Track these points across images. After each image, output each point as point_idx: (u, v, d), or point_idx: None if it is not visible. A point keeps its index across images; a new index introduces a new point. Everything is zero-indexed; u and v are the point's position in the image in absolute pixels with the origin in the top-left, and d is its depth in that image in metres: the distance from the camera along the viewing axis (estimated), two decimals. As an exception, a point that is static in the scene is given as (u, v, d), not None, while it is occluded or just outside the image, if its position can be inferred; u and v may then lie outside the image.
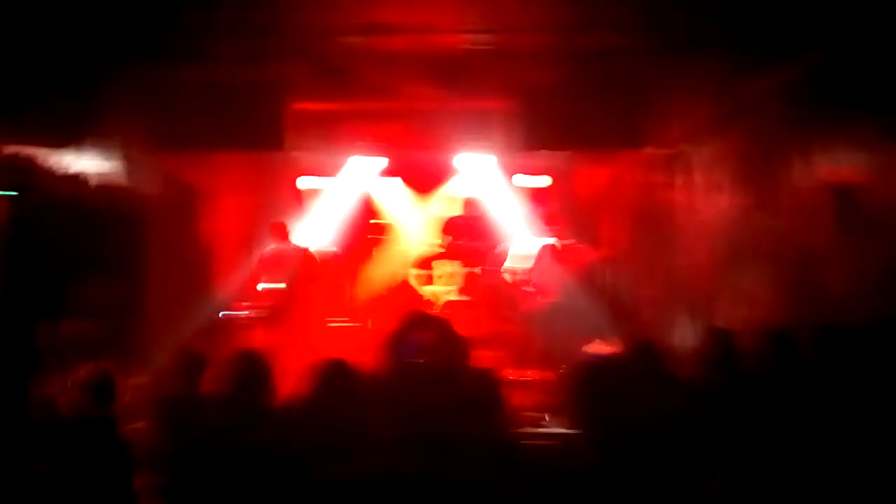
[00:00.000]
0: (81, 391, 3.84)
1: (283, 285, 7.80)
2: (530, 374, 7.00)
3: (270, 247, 7.91)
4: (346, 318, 8.54)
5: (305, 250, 7.90)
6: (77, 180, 6.03)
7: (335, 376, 2.25)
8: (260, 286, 7.75)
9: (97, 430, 3.28)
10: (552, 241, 7.12)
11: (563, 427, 5.84)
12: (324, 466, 1.80)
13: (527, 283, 7.54)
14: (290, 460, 2.33)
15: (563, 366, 6.68)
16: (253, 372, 3.32)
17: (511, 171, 9.50)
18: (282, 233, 7.88)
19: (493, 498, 1.50)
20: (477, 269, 8.46)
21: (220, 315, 8.19)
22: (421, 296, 7.98)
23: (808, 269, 4.58)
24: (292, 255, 7.80)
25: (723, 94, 5.85)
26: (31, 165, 5.38)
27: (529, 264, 7.60)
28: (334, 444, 2.01)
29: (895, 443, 2.70)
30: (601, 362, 2.79)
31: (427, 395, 1.53)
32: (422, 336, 1.58)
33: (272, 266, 7.77)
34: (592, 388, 2.72)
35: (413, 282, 8.08)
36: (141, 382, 6.61)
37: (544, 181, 9.52)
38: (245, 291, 7.99)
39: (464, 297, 8.01)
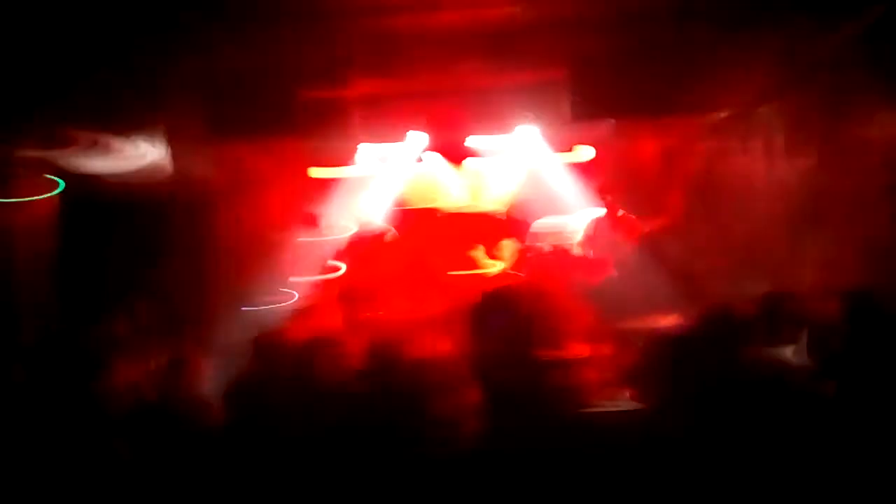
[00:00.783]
0: (162, 376, 3.91)
1: (344, 269, 7.83)
2: (601, 350, 6.90)
3: (351, 232, 7.95)
4: (412, 300, 8.54)
5: (382, 230, 7.92)
6: (146, 168, 6.13)
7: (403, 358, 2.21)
8: (324, 273, 7.79)
9: (180, 415, 3.33)
10: (609, 211, 6.99)
11: (636, 403, 5.78)
12: (411, 445, 1.77)
13: (588, 256, 7.42)
14: (370, 442, 2.31)
15: (637, 339, 6.57)
16: (326, 356, 3.31)
17: (564, 144, 9.35)
18: (312, 222, 7.90)
19: (595, 471, 1.45)
20: (539, 245, 8.37)
21: (287, 300, 8.29)
22: (484, 274, 7.91)
23: (877, 231, 4.40)
24: (366, 237, 7.83)
25: (781, 55, 5.63)
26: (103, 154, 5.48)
27: (588, 237, 7.49)
28: (421, 425, 1.98)
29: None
30: (678, 334, 2.70)
31: (512, 376, 1.48)
32: (505, 318, 1.53)
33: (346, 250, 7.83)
34: (671, 361, 2.64)
35: (476, 259, 8.02)
36: (213, 367, 6.75)
37: (596, 153, 9.34)
38: (305, 278, 8.06)
39: (526, 274, 7.93)
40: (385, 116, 8.81)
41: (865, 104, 4.69)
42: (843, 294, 3.60)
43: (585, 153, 9.50)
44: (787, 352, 5.36)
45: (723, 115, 7.16)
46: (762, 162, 6.42)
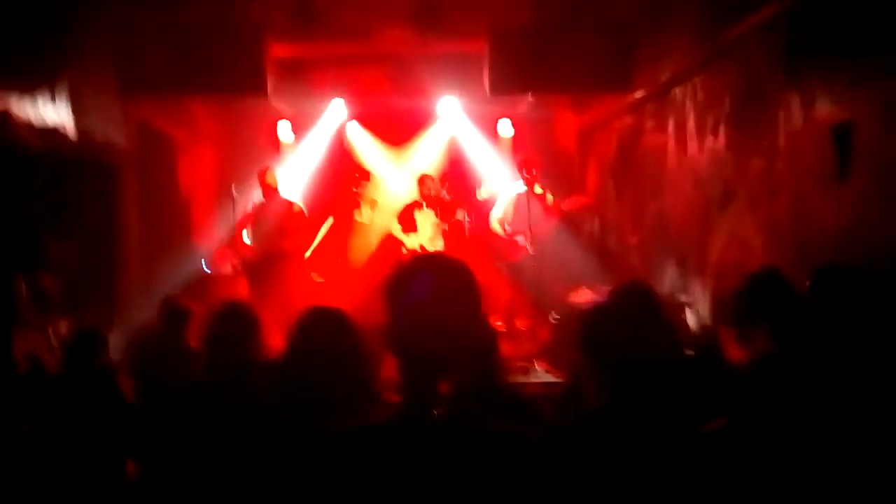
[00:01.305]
0: (67, 347, 3.75)
1: (265, 238, 7.66)
2: (517, 324, 6.99)
3: (257, 200, 7.71)
4: (330, 272, 8.45)
5: (292, 203, 7.73)
6: (50, 131, 5.81)
7: (328, 325, 2.17)
8: (244, 239, 7.58)
9: (86, 386, 3.19)
10: (533, 188, 7.03)
11: (553, 375, 5.88)
12: (326, 418, 1.74)
13: (510, 232, 7.47)
14: (280, 413, 2.25)
15: (554, 314, 6.68)
16: (239, 323, 3.24)
17: (489, 118, 9.40)
18: (268, 179, 7.64)
19: (519, 447, 1.44)
20: (460, 219, 8.38)
21: (203, 268, 8.07)
22: (404, 246, 7.88)
23: (802, 212, 4.55)
24: (278, 208, 7.62)
25: (709, 32, 5.74)
26: (1, 115, 5.16)
27: (511, 213, 7.52)
28: (333, 395, 1.94)
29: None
30: (596, 308, 2.71)
31: (436, 342, 1.44)
32: (428, 278, 1.48)
33: (257, 218, 7.59)
34: (589, 335, 2.65)
35: (396, 232, 7.97)
36: (121, 337, 6.53)
37: (516, 129, 9.42)
38: (227, 244, 7.86)
39: (447, 247, 7.94)
40: (305, 82, 8.65)
41: (776, 86, 4.82)
42: (760, 272, 3.70)
43: (506, 129, 9.57)
44: (696, 326, 5.52)
45: (639, 94, 7.28)
46: (676, 142, 6.55)
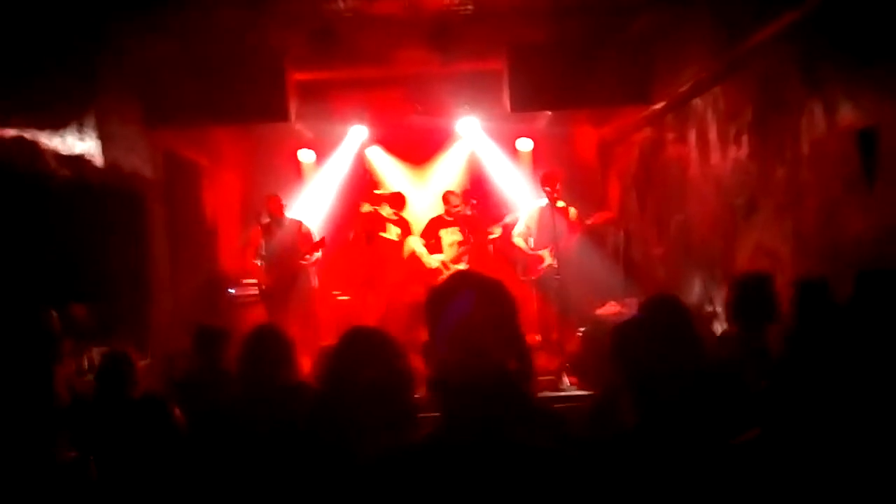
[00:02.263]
0: (98, 375, 3.79)
1: (278, 260, 7.72)
2: (544, 338, 6.97)
3: (265, 221, 7.79)
4: (353, 292, 8.50)
5: (300, 224, 7.81)
6: (79, 162, 5.92)
7: (365, 345, 2.18)
8: (257, 262, 7.66)
9: (120, 413, 3.23)
10: (553, 203, 7.03)
11: (582, 389, 5.86)
12: (365, 439, 1.76)
13: (533, 246, 7.46)
14: (320, 433, 2.27)
15: (581, 328, 6.65)
16: (273, 345, 3.27)
17: (509, 135, 9.43)
18: (277, 206, 7.74)
19: (553, 462, 1.45)
20: (488, 236, 8.40)
21: (229, 292, 8.15)
22: (430, 265, 7.90)
23: (829, 219, 4.52)
24: (287, 230, 7.71)
25: (728, 42, 5.74)
26: (31, 148, 5.27)
27: (534, 227, 7.52)
28: (375, 415, 1.96)
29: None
30: (628, 322, 2.72)
31: (476, 358, 1.46)
32: (467, 296, 1.50)
33: (264, 242, 7.68)
34: (622, 349, 2.65)
35: (420, 251, 7.99)
36: (151, 363, 6.60)
37: (536, 144, 9.45)
38: (246, 268, 7.93)
39: (472, 264, 7.95)
40: (327, 106, 8.75)
41: (798, 93, 4.81)
42: (792, 280, 3.69)
43: (526, 145, 9.60)
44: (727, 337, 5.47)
45: (659, 106, 7.28)
46: (698, 152, 6.54)
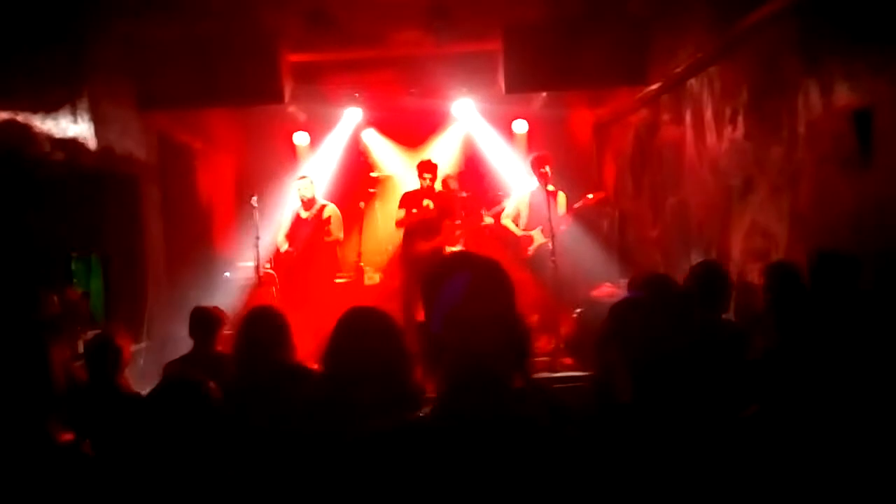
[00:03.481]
0: (88, 359, 3.80)
1: (286, 244, 7.73)
2: (539, 319, 6.98)
3: (293, 209, 7.78)
4: (350, 274, 8.49)
5: (325, 206, 7.80)
6: (72, 145, 5.89)
7: (370, 325, 2.18)
8: (266, 244, 7.66)
9: (105, 397, 3.24)
10: (544, 186, 7.00)
11: (578, 370, 5.88)
12: (367, 417, 1.75)
13: (523, 228, 7.47)
14: (320, 413, 2.28)
15: (576, 309, 6.68)
16: (270, 327, 3.27)
17: (504, 117, 9.40)
18: (305, 189, 7.73)
19: (550, 440, 1.45)
20: (484, 219, 8.40)
21: (225, 275, 8.14)
22: (427, 246, 7.89)
23: (824, 199, 4.53)
24: (317, 213, 7.71)
25: (723, 22, 5.71)
26: (24, 131, 5.24)
27: (525, 210, 7.52)
28: (376, 394, 1.96)
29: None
30: (623, 302, 2.72)
31: (476, 338, 1.46)
32: (463, 276, 1.50)
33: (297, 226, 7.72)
34: (619, 328, 2.66)
35: (416, 233, 7.97)
36: (148, 346, 6.60)
37: (531, 126, 9.43)
38: (247, 250, 7.91)
39: (467, 246, 7.95)
40: (321, 88, 8.71)
41: (794, 73, 4.80)
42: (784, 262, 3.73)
43: (521, 127, 9.57)
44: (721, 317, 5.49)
45: (655, 87, 7.26)
46: (694, 133, 6.53)
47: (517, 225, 7.51)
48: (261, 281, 7.46)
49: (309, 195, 7.72)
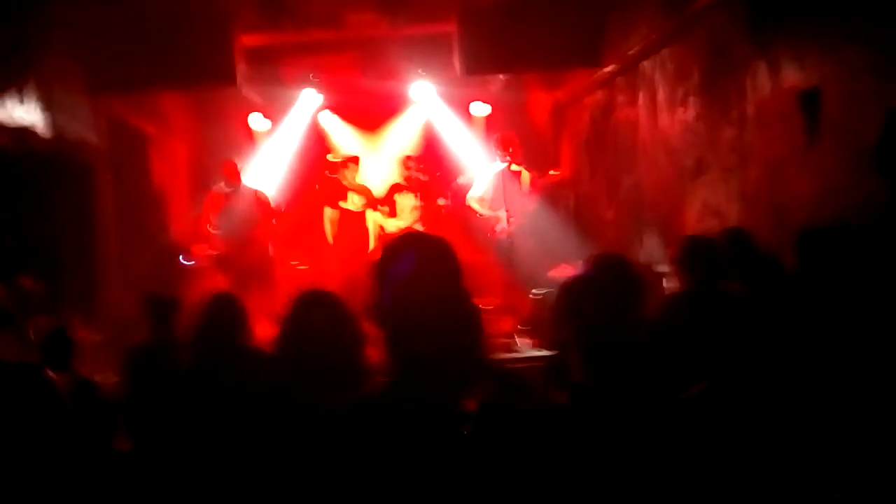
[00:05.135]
0: (39, 348, 3.76)
1: (235, 228, 7.63)
2: (497, 301, 7.03)
3: (220, 188, 7.66)
4: (305, 259, 8.45)
5: (256, 191, 7.71)
6: (21, 131, 5.76)
7: (318, 308, 2.20)
8: (212, 230, 7.55)
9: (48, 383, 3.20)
10: (508, 166, 7.04)
11: (535, 350, 5.95)
12: (316, 397, 1.77)
13: (489, 209, 7.50)
14: (275, 396, 2.29)
15: (534, 290, 6.74)
16: (228, 313, 3.26)
17: (463, 100, 9.40)
18: (233, 172, 7.60)
19: (509, 416, 1.48)
20: (438, 201, 8.40)
21: (180, 261, 8.04)
22: (383, 230, 7.90)
23: (773, 179, 4.62)
24: (244, 198, 7.60)
25: (675, 4, 5.78)
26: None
27: (490, 191, 7.54)
28: (323, 375, 1.98)
29: (872, 343, 2.76)
30: (575, 280, 2.75)
31: (419, 315, 1.48)
32: (409, 254, 1.52)
33: (223, 209, 7.56)
34: (570, 307, 2.69)
35: (374, 216, 7.98)
36: (100, 334, 6.51)
37: (491, 108, 9.44)
38: (200, 235, 7.82)
39: (427, 228, 7.96)
40: (276, 71, 8.62)
41: (743, 55, 4.88)
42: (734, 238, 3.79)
43: (479, 109, 9.58)
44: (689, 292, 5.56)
45: (609, 69, 7.32)
46: (647, 115, 6.61)
47: (482, 206, 7.54)
48: (215, 266, 7.39)
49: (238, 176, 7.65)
